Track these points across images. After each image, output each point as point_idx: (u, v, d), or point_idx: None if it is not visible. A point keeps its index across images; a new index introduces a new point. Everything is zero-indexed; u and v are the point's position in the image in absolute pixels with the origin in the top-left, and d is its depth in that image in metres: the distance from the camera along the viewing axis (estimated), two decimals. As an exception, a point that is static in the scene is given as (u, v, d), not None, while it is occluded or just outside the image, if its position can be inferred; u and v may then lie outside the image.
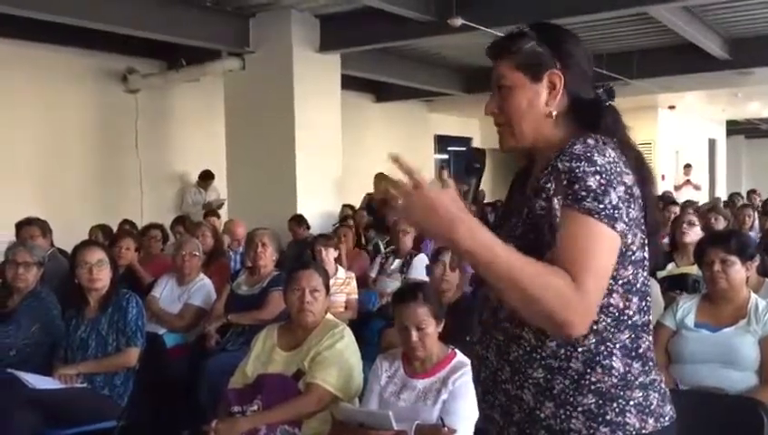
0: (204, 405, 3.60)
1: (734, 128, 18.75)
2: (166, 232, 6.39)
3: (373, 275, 5.90)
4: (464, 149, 14.69)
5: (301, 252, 6.41)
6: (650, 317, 1.50)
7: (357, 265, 6.20)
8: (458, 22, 6.93)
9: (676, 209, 6.81)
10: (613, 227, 1.34)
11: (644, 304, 1.47)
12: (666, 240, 4.97)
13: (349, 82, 9.70)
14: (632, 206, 1.39)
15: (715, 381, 3.01)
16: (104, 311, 3.69)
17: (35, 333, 3.70)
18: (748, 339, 3.05)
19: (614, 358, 1.42)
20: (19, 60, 7.96)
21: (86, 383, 3.54)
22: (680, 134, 15.66)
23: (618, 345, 1.43)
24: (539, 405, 1.43)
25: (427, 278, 4.11)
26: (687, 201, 9.27)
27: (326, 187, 8.52)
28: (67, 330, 3.71)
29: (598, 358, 1.42)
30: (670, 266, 4.79)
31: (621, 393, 1.42)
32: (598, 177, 1.35)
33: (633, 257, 1.42)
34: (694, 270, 4.13)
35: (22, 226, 5.25)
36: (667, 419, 1.46)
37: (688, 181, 14.26)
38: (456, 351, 2.82)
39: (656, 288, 3.91)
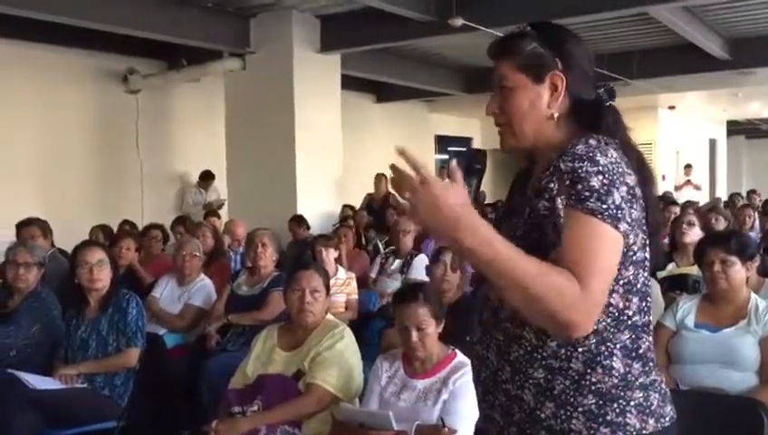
0: (204, 405, 3.60)
1: (734, 128, 18.75)
2: (166, 232, 6.40)
3: (373, 275, 5.90)
4: (464, 149, 14.70)
5: (301, 252, 6.40)
6: (650, 318, 1.50)
7: (357, 265, 6.20)
8: (459, 22, 6.93)
9: (677, 210, 6.80)
10: (616, 228, 1.34)
11: (644, 304, 1.47)
12: (666, 240, 4.96)
13: (349, 83, 9.70)
14: (634, 206, 1.39)
15: (715, 381, 3.01)
16: (104, 311, 3.69)
17: (36, 333, 3.70)
18: (748, 339, 3.05)
19: (614, 358, 1.42)
20: (19, 60, 7.96)
21: (86, 384, 3.54)
22: (681, 134, 15.66)
23: (618, 346, 1.43)
24: (539, 405, 1.43)
25: (427, 278, 4.11)
26: (688, 201, 9.27)
27: (326, 187, 8.52)
28: (67, 330, 3.72)
29: (598, 358, 1.42)
30: (670, 267, 4.79)
31: (622, 394, 1.42)
32: (600, 177, 1.35)
33: (634, 258, 1.42)
34: (694, 270, 4.13)
35: (22, 226, 5.25)
36: (667, 419, 1.46)
37: (689, 181, 14.26)
38: (457, 351, 2.82)
39: (656, 289, 3.91)
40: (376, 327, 4.13)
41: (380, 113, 12.78)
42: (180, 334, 4.64)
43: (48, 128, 8.29)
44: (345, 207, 8.67)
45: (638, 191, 1.41)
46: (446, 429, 2.61)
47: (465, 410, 2.63)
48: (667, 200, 8.17)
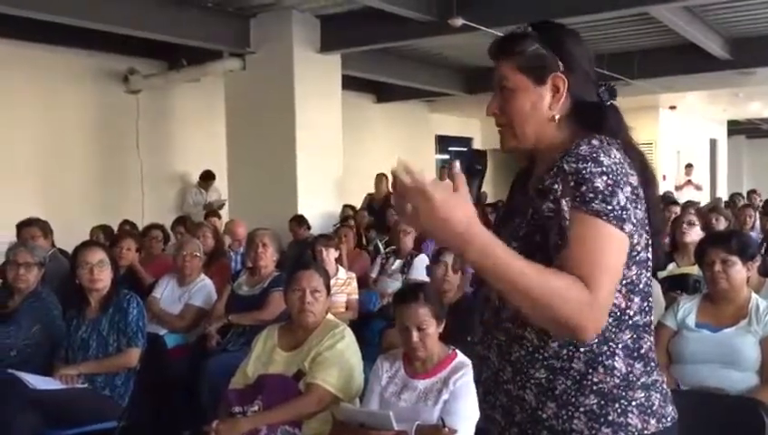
0: (204, 406, 3.60)
1: (735, 128, 18.74)
2: (167, 232, 6.40)
3: (374, 275, 5.91)
4: (464, 149, 14.70)
5: (301, 252, 6.40)
6: (652, 318, 1.50)
7: (357, 265, 6.20)
8: (459, 22, 6.92)
9: (677, 209, 6.80)
10: (622, 229, 1.34)
11: (645, 304, 1.47)
12: (666, 240, 4.96)
13: (349, 83, 9.69)
14: (639, 206, 1.39)
15: (715, 381, 3.01)
16: (105, 311, 3.69)
17: (36, 333, 3.70)
18: (749, 339, 3.05)
19: (616, 358, 1.42)
20: (19, 60, 7.96)
21: (87, 384, 3.54)
22: (681, 134, 15.66)
23: (620, 345, 1.43)
24: (541, 405, 1.43)
25: (427, 278, 4.11)
26: (688, 201, 9.26)
27: (327, 187, 8.52)
28: (68, 330, 3.72)
29: (600, 358, 1.41)
30: (671, 267, 4.79)
31: (623, 394, 1.42)
32: (605, 177, 1.34)
33: (638, 258, 1.42)
34: (694, 270, 4.13)
35: (23, 226, 5.25)
36: (668, 419, 1.46)
37: (690, 181, 14.26)
38: (457, 351, 2.82)
39: (656, 288, 3.91)
40: (376, 327, 4.13)
41: (381, 113, 12.77)
42: (181, 335, 4.64)
43: (48, 128, 8.29)
44: (346, 207, 8.67)
45: (641, 191, 1.41)
46: (447, 429, 2.61)
47: (466, 411, 2.63)
48: (668, 200, 8.17)
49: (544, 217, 1.39)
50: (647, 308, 1.47)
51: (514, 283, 1.26)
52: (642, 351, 1.45)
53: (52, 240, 5.49)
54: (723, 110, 15.83)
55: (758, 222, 7.62)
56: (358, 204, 9.28)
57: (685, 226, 4.92)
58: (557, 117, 1.49)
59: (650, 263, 1.47)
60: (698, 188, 14.27)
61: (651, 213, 1.45)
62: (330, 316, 3.34)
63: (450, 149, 14.78)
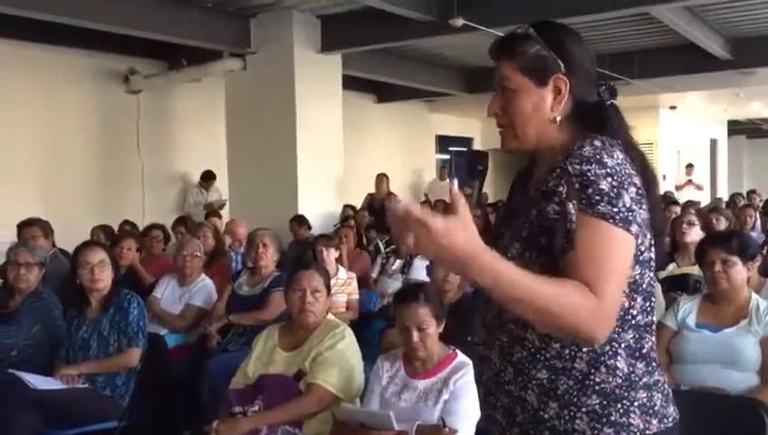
0: (205, 405, 3.60)
1: (735, 128, 18.74)
2: (167, 232, 6.40)
3: (374, 275, 5.91)
4: (465, 149, 14.70)
5: (302, 252, 6.41)
6: (654, 318, 1.50)
7: (358, 265, 6.21)
8: (459, 22, 6.92)
9: (678, 209, 6.80)
10: (628, 230, 1.34)
11: (648, 304, 1.46)
12: (666, 240, 4.96)
13: (350, 83, 9.69)
14: (643, 206, 1.39)
15: (716, 381, 3.00)
16: (106, 311, 3.69)
17: (37, 333, 3.71)
18: (749, 339, 3.05)
19: (618, 358, 1.42)
20: (19, 60, 7.95)
21: (87, 384, 3.54)
22: (682, 134, 15.66)
23: (622, 345, 1.43)
24: (543, 406, 1.43)
25: (427, 279, 4.12)
26: (689, 201, 9.26)
27: (327, 187, 8.52)
28: (68, 330, 3.72)
29: (602, 358, 1.41)
30: (671, 267, 4.78)
31: (625, 394, 1.42)
32: (610, 179, 1.34)
33: (641, 258, 1.42)
34: (695, 270, 4.13)
35: (23, 226, 5.25)
36: (670, 419, 1.46)
37: (690, 181, 14.25)
38: (458, 351, 2.83)
39: (657, 288, 3.91)
40: (377, 327, 4.13)
41: (381, 113, 12.77)
42: (181, 335, 4.64)
43: (48, 128, 8.29)
44: (346, 207, 8.67)
45: (644, 191, 1.41)
46: (447, 429, 2.61)
47: (466, 411, 2.63)
48: (669, 200, 8.17)
49: (550, 220, 1.38)
50: (649, 308, 1.47)
51: (520, 299, 1.25)
52: (644, 350, 1.45)
53: (53, 240, 5.49)
54: (723, 110, 15.82)
55: (758, 222, 7.62)
56: (358, 204, 9.28)
57: (685, 226, 4.92)
58: (558, 118, 1.49)
59: (653, 263, 1.47)
60: (699, 187, 14.26)
61: (652, 213, 1.45)
62: (330, 316, 3.34)
63: (450, 149, 14.78)
